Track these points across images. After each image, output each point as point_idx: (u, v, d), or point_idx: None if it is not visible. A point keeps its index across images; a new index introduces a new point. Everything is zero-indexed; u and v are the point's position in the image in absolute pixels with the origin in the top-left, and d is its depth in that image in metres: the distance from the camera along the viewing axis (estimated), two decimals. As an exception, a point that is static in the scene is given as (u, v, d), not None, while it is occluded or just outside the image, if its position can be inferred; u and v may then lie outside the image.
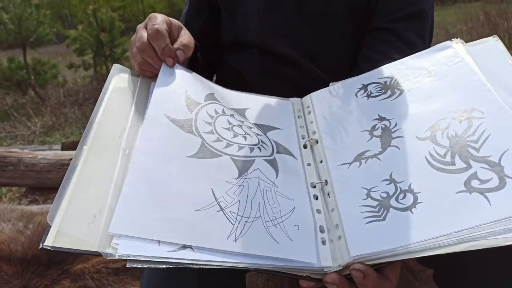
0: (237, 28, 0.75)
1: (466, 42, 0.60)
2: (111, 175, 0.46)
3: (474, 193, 0.43)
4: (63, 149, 2.08)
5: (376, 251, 0.42)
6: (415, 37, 0.69)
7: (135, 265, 0.39)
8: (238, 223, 0.45)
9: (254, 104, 0.64)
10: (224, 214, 0.45)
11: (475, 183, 0.43)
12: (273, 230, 0.46)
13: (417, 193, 0.46)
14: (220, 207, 0.45)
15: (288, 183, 0.52)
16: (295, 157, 0.57)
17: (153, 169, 0.46)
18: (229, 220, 0.45)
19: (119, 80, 0.58)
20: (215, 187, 0.47)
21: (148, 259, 0.39)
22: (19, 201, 1.74)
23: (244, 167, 0.51)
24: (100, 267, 0.94)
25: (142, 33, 0.57)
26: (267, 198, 0.48)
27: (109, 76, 0.57)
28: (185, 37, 0.60)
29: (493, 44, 0.57)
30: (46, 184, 1.66)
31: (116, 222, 0.41)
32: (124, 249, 0.40)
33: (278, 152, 0.56)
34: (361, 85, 0.62)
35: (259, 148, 0.54)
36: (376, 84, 0.61)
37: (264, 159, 0.53)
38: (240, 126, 0.56)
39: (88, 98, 4.81)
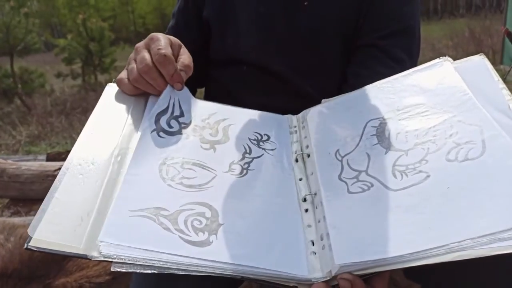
0: (227, 47, 0.76)
1: (452, 57, 0.62)
2: (101, 179, 0.47)
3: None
4: (48, 160, 2.04)
5: (361, 261, 0.42)
6: (402, 53, 0.70)
7: (120, 269, 0.39)
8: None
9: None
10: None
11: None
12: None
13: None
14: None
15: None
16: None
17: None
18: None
19: (112, 96, 0.59)
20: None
21: (133, 262, 0.39)
22: (1, 212, 1.70)
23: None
24: (83, 281, 0.91)
25: (145, 54, 0.55)
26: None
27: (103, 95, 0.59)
28: (185, 56, 0.60)
29: (480, 62, 0.58)
30: (30, 196, 1.62)
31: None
32: (108, 249, 0.40)
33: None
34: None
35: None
36: None
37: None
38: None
39: (75, 108, 4.76)
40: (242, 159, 0.56)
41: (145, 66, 0.55)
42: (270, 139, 0.61)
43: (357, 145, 0.56)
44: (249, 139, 0.60)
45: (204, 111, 0.62)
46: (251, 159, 0.57)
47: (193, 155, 0.54)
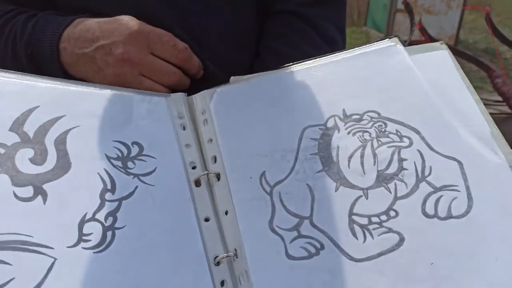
0: None
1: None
2: None
3: None
4: None
5: None
6: (334, 30, 0.52)
7: None
8: None
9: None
10: None
11: None
12: None
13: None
14: None
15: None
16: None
17: None
18: None
19: None
20: None
21: None
22: None
23: None
24: None
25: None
26: None
27: None
28: None
29: (442, 53, 0.44)
30: None
31: None
32: None
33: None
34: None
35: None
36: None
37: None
38: None
39: None
40: (101, 207, 0.31)
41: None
42: (144, 152, 0.36)
43: (292, 168, 0.38)
44: (108, 157, 0.34)
45: (16, 100, 0.33)
46: (116, 202, 0.32)
47: None
